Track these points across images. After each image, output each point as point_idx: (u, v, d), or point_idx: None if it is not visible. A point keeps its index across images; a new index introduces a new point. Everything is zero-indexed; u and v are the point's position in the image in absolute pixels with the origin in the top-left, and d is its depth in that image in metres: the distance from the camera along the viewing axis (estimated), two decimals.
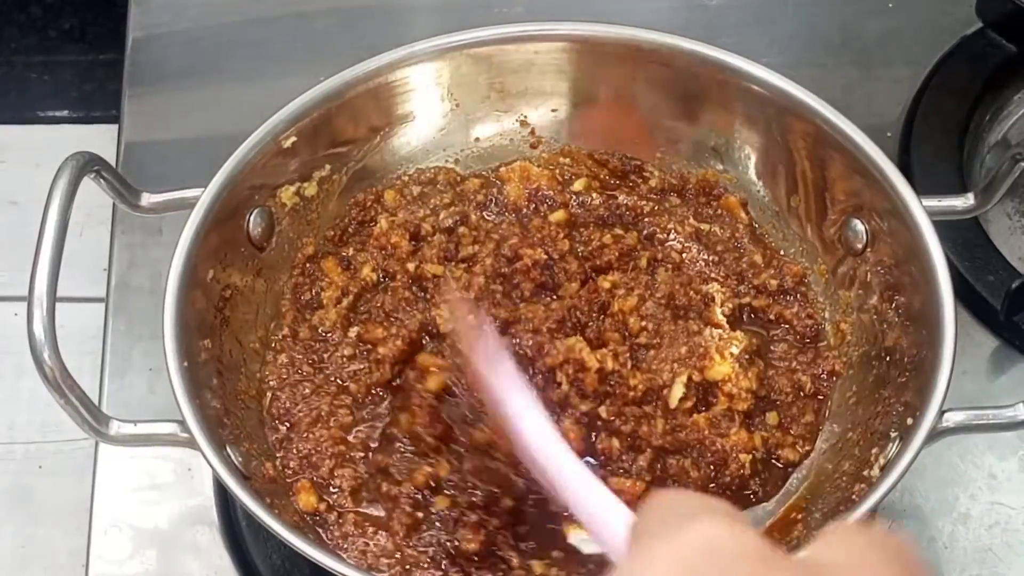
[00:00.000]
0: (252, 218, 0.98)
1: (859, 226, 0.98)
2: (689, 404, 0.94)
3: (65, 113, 1.43)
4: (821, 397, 0.96)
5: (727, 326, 0.98)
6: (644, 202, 1.04)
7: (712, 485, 0.92)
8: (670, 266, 1.00)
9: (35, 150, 1.36)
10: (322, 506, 0.92)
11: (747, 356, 0.96)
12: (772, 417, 0.95)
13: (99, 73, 1.43)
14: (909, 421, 0.88)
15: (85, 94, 1.44)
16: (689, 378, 0.94)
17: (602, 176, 1.05)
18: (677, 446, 0.92)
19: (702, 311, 0.98)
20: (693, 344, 0.95)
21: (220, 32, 1.25)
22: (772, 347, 0.98)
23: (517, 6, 1.24)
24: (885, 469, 0.86)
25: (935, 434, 0.86)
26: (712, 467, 0.92)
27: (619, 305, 0.96)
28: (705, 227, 1.03)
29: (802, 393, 0.96)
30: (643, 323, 0.96)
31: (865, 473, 0.90)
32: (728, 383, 0.94)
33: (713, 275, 1.01)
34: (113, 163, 1.08)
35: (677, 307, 0.97)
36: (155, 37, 1.24)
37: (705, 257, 1.02)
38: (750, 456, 0.93)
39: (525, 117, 1.06)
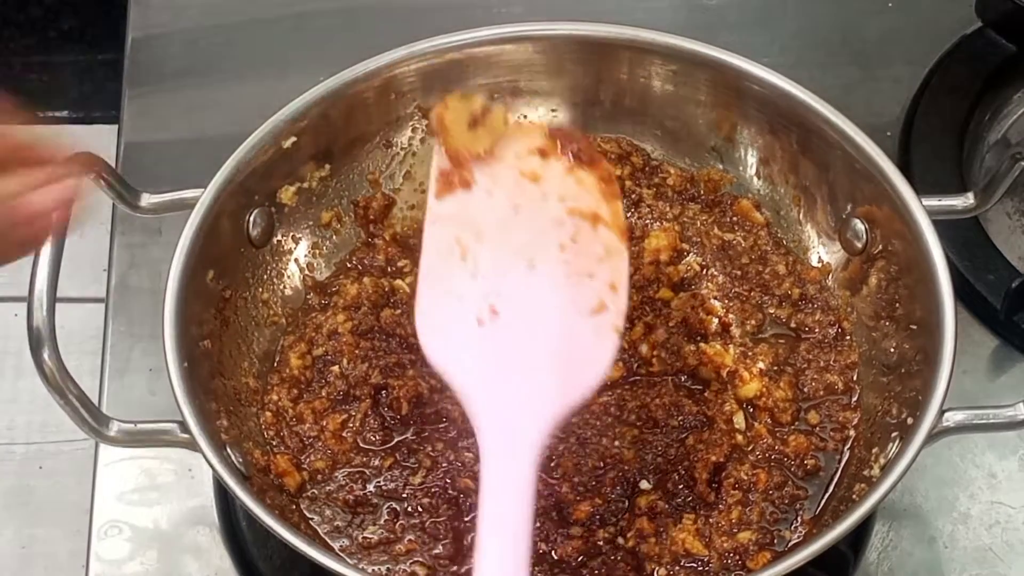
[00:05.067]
0: (252, 219, 0.98)
1: (859, 226, 0.98)
2: (744, 425, 0.95)
3: (65, 113, 1.44)
4: (852, 389, 0.97)
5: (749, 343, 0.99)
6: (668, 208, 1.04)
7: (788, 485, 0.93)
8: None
9: None
10: (304, 475, 0.93)
11: (775, 368, 0.97)
12: (813, 416, 0.95)
13: (99, 73, 1.43)
14: (909, 420, 0.88)
15: (85, 94, 1.44)
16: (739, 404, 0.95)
17: (624, 174, 1.05)
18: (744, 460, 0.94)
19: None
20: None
21: (220, 32, 1.25)
22: (800, 349, 0.98)
23: (517, 6, 1.24)
24: (885, 469, 0.87)
25: (935, 433, 0.86)
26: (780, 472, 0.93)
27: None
28: (730, 236, 1.03)
29: (835, 391, 0.97)
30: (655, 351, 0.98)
31: (865, 473, 0.90)
32: (762, 398, 0.95)
33: (737, 290, 1.01)
34: (113, 163, 1.08)
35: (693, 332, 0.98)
36: (155, 37, 1.24)
37: (728, 272, 1.02)
38: (814, 460, 0.93)
39: (525, 117, 1.06)
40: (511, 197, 0.87)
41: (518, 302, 0.84)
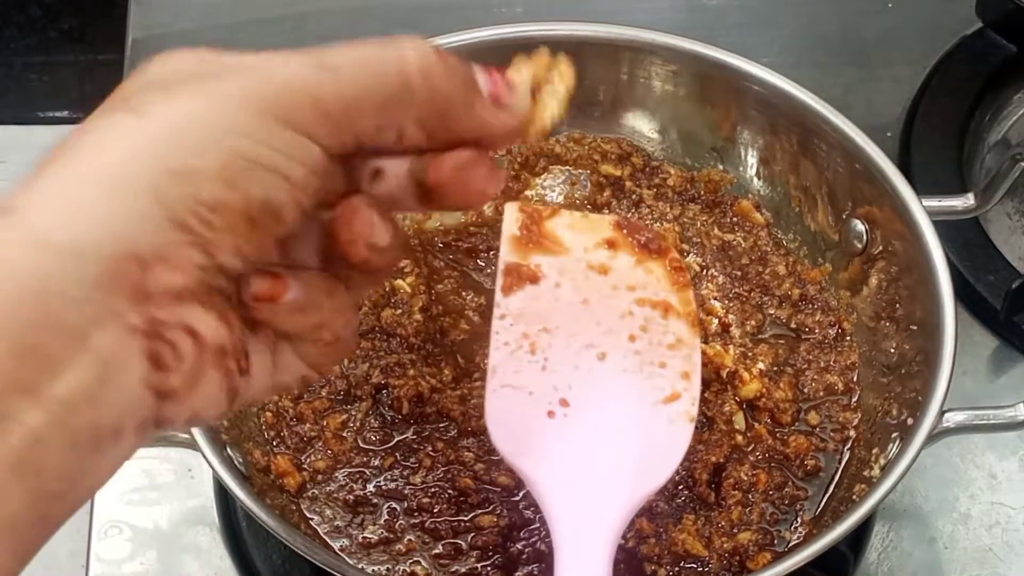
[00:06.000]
0: None
1: (859, 226, 0.98)
2: (744, 426, 0.95)
3: (65, 114, 1.43)
4: (852, 390, 0.97)
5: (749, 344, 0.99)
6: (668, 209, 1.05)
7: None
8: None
9: (35, 151, 1.35)
10: (304, 475, 0.93)
11: (775, 368, 0.97)
12: (813, 417, 0.96)
13: (99, 74, 1.42)
14: (909, 421, 0.88)
15: (85, 95, 1.43)
16: (738, 405, 0.95)
17: (624, 174, 1.05)
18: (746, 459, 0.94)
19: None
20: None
21: (221, 33, 1.25)
22: (800, 350, 0.98)
23: (517, 6, 1.24)
24: (885, 469, 0.87)
25: (935, 434, 0.86)
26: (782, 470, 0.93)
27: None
28: (730, 237, 1.03)
29: (835, 391, 0.97)
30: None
31: (865, 473, 0.91)
32: (762, 398, 0.95)
33: (737, 290, 1.01)
34: None
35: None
36: (155, 38, 1.24)
37: (728, 272, 1.02)
38: (814, 461, 0.93)
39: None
40: (579, 290, 0.86)
41: (589, 393, 0.83)
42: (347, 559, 0.89)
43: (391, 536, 0.90)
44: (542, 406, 0.82)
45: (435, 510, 0.91)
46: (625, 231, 0.89)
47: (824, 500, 0.92)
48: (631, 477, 0.79)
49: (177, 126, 0.53)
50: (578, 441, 0.81)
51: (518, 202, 0.92)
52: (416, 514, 0.91)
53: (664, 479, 0.81)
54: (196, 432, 0.86)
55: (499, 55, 1.02)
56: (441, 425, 0.95)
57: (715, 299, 1.01)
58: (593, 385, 0.83)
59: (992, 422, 0.89)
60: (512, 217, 0.88)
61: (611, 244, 0.88)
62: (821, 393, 0.96)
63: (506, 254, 0.86)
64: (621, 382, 0.83)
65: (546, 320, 0.85)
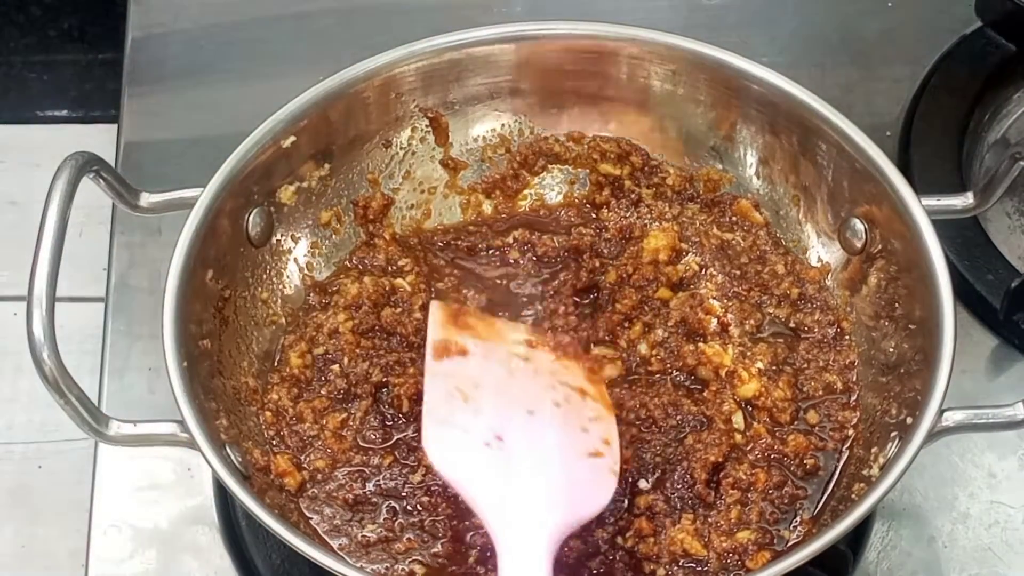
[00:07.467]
0: (251, 218, 0.98)
1: (858, 225, 0.98)
2: (743, 425, 0.95)
3: (64, 113, 1.44)
4: (851, 389, 0.97)
5: (748, 344, 0.99)
6: (667, 208, 1.05)
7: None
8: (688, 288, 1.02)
9: (35, 150, 1.36)
10: (304, 474, 0.93)
11: (774, 367, 0.97)
12: (812, 416, 0.96)
13: (98, 73, 1.43)
14: (908, 420, 0.88)
15: (84, 94, 1.44)
16: (737, 404, 0.96)
17: (623, 173, 1.06)
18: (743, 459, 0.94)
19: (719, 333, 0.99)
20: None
21: (220, 32, 1.25)
22: (799, 349, 0.98)
23: (517, 6, 1.24)
24: (885, 468, 0.87)
25: (934, 433, 0.86)
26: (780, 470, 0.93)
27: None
28: (729, 236, 1.03)
29: (834, 391, 0.97)
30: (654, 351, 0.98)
31: (864, 472, 0.91)
32: (761, 397, 0.95)
33: (736, 289, 1.01)
34: (112, 163, 1.08)
35: (692, 332, 0.99)
36: (154, 37, 1.24)
37: (727, 271, 1.02)
38: (813, 460, 0.93)
39: (524, 116, 1.06)
40: (504, 366, 0.94)
41: (522, 435, 0.90)
42: (346, 558, 0.89)
43: (390, 535, 0.90)
44: (478, 439, 0.88)
45: (434, 509, 0.91)
46: (540, 336, 0.97)
47: (823, 499, 0.92)
48: (564, 503, 0.86)
49: None
50: (513, 467, 0.87)
51: (439, 302, 0.99)
52: (415, 513, 0.91)
53: (592, 514, 0.87)
54: (196, 432, 0.86)
55: (498, 55, 1.04)
56: None
57: (714, 298, 1.01)
58: (525, 429, 0.90)
59: (991, 421, 0.88)
60: (435, 317, 0.95)
61: (529, 344, 0.96)
62: (820, 392, 0.96)
63: (435, 333, 0.94)
64: (550, 431, 0.90)
65: (476, 380, 0.92)
